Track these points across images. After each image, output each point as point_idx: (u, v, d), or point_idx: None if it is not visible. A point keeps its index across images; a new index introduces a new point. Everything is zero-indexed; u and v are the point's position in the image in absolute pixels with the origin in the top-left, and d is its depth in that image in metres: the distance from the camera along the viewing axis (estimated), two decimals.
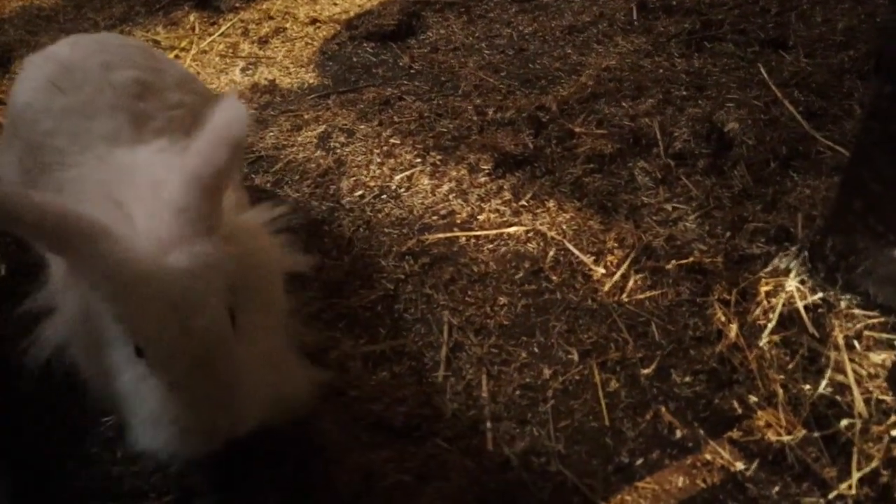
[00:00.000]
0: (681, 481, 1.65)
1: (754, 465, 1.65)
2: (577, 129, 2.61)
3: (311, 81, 3.18)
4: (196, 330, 1.17)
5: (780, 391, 1.75)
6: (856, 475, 1.59)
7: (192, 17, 3.79)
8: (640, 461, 1.69)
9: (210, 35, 3.64)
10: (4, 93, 3.37)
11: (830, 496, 1.59)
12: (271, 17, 3.70)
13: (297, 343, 1.59)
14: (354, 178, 2.56)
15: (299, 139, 2.79)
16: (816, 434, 1.67)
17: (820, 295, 1.90)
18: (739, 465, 1.65)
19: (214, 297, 1.20)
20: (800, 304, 1.88)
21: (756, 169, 2.38)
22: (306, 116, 2.91)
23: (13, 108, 1.72)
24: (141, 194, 1.25)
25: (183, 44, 3.62)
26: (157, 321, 1.15)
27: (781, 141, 2.46)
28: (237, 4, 3.84)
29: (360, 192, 2.50)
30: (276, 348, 1.42)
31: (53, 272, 1.41)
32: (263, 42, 3.51)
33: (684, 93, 2.76)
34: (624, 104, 2.74)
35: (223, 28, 3.68)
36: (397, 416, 1.76)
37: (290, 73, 3.26)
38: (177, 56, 3.53)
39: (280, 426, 1.70)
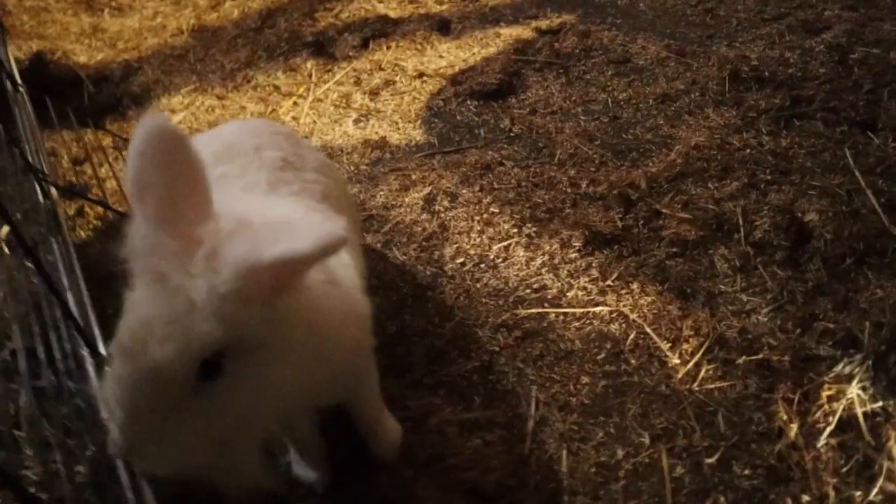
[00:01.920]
0: None
1: None
2: (664, 211, 2.82)
3: (418, 139, 3.49)
4: (142, 375, 1.18)
5: (832, 493, 1.95)
6: None
7: (309, 64, 4.16)
8: None
9: (325, 83, 4.00)
10: None
11: None
12: (381, 69, 4.04)
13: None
14: (457, 245, 2.86)
15: (406, 200, 3.10)
16: None
17: (880, 403, 2.08)
18: None
19: (182, 356, 1.19)
20: (859, 411, 2.07)
21: (832, 264, 2.54)
22: (413, 177, 3.22)
23: None
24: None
25: (300, 90, 4.00)
26: (135, 293, 1.25)
27: (860, 236, 2.60)
28: (350, 53, 4.19)
29: (461, 260, 2.80)
30: (254, 420, 1.37)
31: None
32: (374, 94, 3.85)
33: (769, 177, 2.92)
34: (710, 185, 2.92)
35: (337, 76, 4.04)
36: (488, 483, 2.06)
37: (398, 129, 3.58)
38: (295, 103, 3.91)
39: (385, 489, 2.04)
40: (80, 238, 3.13)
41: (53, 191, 2.76)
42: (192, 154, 1.27)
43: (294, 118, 3.86)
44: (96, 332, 2.09)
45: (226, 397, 1.27)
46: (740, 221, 2.74)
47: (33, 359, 2.02)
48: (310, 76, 4.08)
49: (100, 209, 3.27)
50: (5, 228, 2.48)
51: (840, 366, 2.19)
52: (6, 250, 2.48)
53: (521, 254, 2.79)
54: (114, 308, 1.50)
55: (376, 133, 3.56)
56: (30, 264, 2.00)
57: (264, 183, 1.88)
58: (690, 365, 2.32)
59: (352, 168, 3.41)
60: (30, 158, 2.82)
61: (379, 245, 2.92)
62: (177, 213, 1.24)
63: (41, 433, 1.84)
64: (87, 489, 1.78)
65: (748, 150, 3.08)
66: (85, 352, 2.01)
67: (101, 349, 2.02)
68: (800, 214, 2.71)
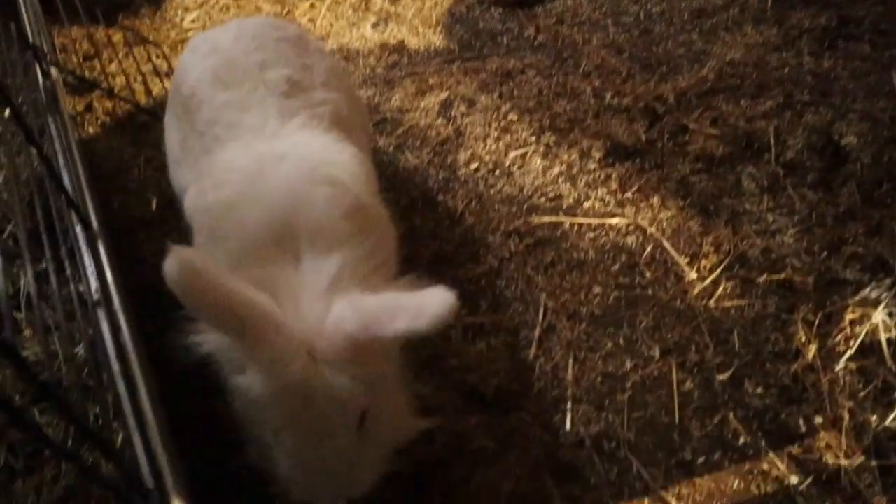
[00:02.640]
0: (736, 484, 1.82)
1: (808, 481, 1.79)
2: (691, 126, 2.68)
3: (437, 44, 3.33)
4: (327, 451, 1.28)
5: (847, 417, 1.87)
6: None
7: None
8: (701, 459, 1.87)
9: None
10: (156, 30, 3.68)
11: None
12: None
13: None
14: (471, 151, 2.74)
15: (422, 104, 2.97)
16: (874, 463, 1.79)
17: None
18: (794, 479, 1.80)
19: (347, 422, 1.29)
20: (883, 337, 1.98)
21: (867, 188, 2.40)
22: (430, 81, 3.08)
23: (180, 92, 1.93)
24: (309, 227, 1.42)
25: None
26: (294, 437, 1.28)
27: None
28: None
29: (475, 165, 2.68)
30: (395, 426, 1.49)
31: None
32: None
33: (807, 97, 2.76)
34: (742, 103, 2.77)
35: None
36: (489, 387, 1.99)
37: (418, 34, 3.42)
38: (312, 5, 3.74)
39: None
40: (88, 134, 3.04)
41: (54, 71, 2.64)
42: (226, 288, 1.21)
43: (311, 20, 3.69)
44: (91, 210, 2.01)
45: (375, 431, 1.38)
46: (772, 141, 2.59)
47: (35, 242, 1.95)
48: None
49: (108, 104, 3.17)
50: (7, 111, 2.40)
51: (867, 290, 2.08)
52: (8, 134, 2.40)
53: (538, 162, 2.66)
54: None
55: (394, 37, 3.40)
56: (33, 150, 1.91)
57: (271, 118, 1.76)
58: (708, 282, 2.22)
59: (367, 71, 3.26)
60: (30, 39, 2.70)
61: (391, 148, 2.81)
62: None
63: (41, 315, 1.79)
64: (84, 370, 1.73)
65: (786, 70, 2.91)
66: (78, 227, 1.93)
67: (94, 224, 1.95)
68: (837, 137, 2.56)
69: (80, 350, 1.78)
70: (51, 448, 0.97)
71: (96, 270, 1.75)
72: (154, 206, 2.55)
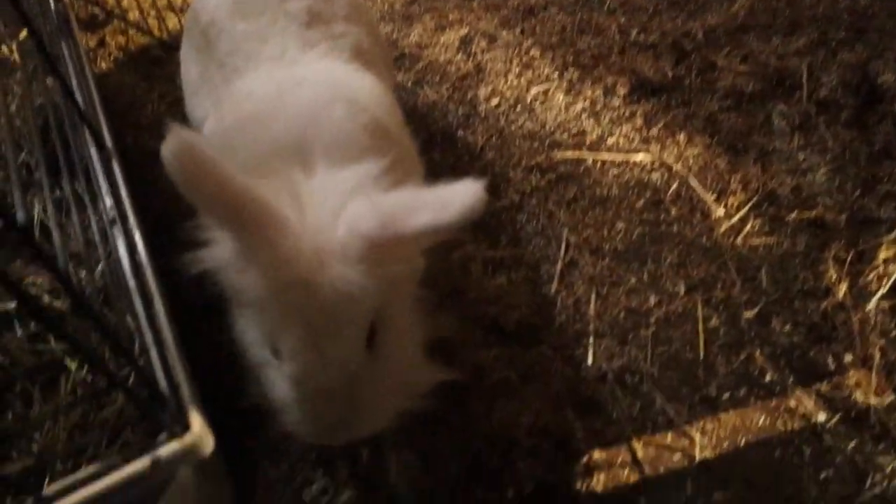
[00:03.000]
0: (761, 420, 1.78)
1: (835, 418, 1.75)
2: (720, 63, 2.59)
3: None
4: (330, 359, 1.16)
5: (878, 355, 1.82)
6: None
7: None
8: (726, 395, 1.83)
9: None
10: None
11: None
12: None
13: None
14: (492, 86, 2.66)
15: (442, 39, 2.88)
16: None
17: None
18: (821, 417, 1.76)
19: (355, 327, 1.18)
20: None
21: None
22: (450, 17, 2.98)
23: (198, 22, 1.87)
24: (324, 140, 1.33)
25: None
26: (296, 338, 1.15)
27: None
28: None
29: (496, 101, 2.61)
30: (408, 358, 1.40)
31: None
32: None
33: (842, 35, 2.66)
34: (774, 40, 2.67)
35: None
36: (510, 320, 1.95)
37: None
38: None
39: None
40: (101, 69, 2.97)
41: None
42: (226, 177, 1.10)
43: None
44: (105, 131, 1.96)
45: (385, 356, 1.27)
46: (804, 78, 2.50)
47: (52, 169, 1.91)
48: None
49: (121, 39, 3.10)
50: (23, 33, 2.33)
51: None
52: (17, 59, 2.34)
53: (561, 98, 2.58)
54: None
55: None
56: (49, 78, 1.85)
57: (291, 47, 1.71)
58: (735, 219, 2.16)
59: (385, 7, 3.17)
60: None
61: (410, 83, 2.73)
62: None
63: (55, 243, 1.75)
64: (99, 297, 1.70)
65: (821, 7, 2.80)
66: (93, 149, 1.88)
67: (109, 145, 1.89)
68: (873, 75, 2.47)
69: (100, 269, 1.74)
70: (80, 352, 0.93)
71: (111, 189, 1.71)
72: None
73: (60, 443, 1.28)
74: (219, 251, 1.18)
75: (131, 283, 1.49)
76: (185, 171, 1.06)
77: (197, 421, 1.22)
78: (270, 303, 1.14)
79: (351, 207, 1.14)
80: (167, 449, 1.18)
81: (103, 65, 3.00)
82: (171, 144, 1.05)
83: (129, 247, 1.59)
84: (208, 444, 1.22)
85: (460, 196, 1.07)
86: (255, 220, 1.10)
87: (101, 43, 3.09)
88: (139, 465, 1.16)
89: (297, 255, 1.12)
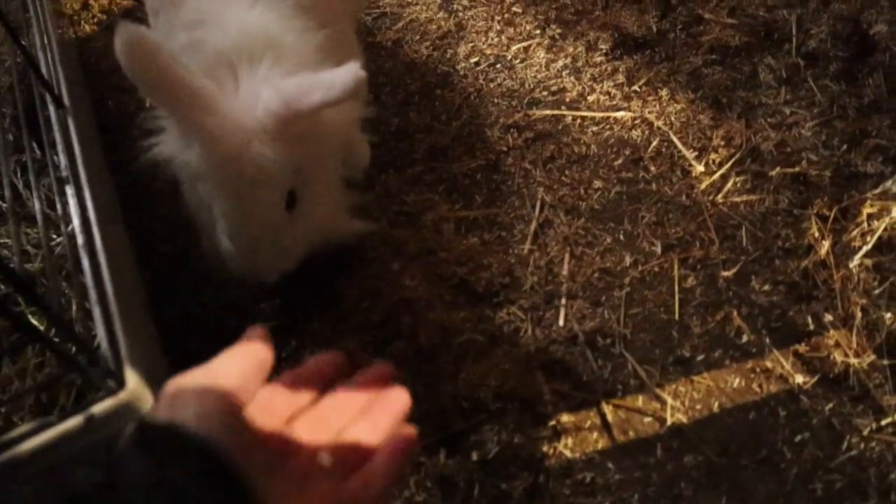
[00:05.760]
0: (737, 382, 1.73)
1: (814, 380, 1.70)
2: (707, 16, 2.49)
3: None
4: (252, 217, 1.45)
5: (859, 314, 1.76)
6: None
7: None
8: (700, 357, 1.78)
9: None
10: None
11: (884, 422, 1.62)
12: None
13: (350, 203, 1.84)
14: (472, 44, 2.58)
15: None
16: (885, 362, 1.69)
17: None
18: (798, 378, 1.71)
19: (272, 191, 1.45)
20: None
21: (894, 80, 2.23)
22: None
23: None
24: (251, 54, 1.45)
25: None
26: (226, 200, 1.44)
27: None
28: None
29: (475, 59, 2.53)
30: (327, 216, 1.67)
31: None
32: None
33: None
34: None
35: None
36: (480, 281, 1.90)
37: None
38: None
39: (373, 279, 1.90)
40: (84, 32, 2.92)
41: None
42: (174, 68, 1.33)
43: None
44: (64, 89, 1.91)
45: (305, 213, 1.57)
46: (794, 30, 2.41)
47: (17, 132, 1.87)
48: None
49: (104, 1, 3.04)
50: None
51: (889, 182, 1.94)
52: None
53: (542, 55, 2.50)
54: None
55: None
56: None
57: None
58: (717, 176, 2.09)
59: None
60: None
61: (390, 43, 2.66)
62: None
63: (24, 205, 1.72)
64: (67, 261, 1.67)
65: None
66: (52, 107, 1.83)
67: (66, 101, 1.85)
68: (865, 26, 2.37)
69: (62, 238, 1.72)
70: None
71: (66, 147, 1.66)
72: (149, 102, 2.44)
73: None
74: (167, 137, 1.49)
75: (80, 238, 1.45)
76: (135, 59, 1.27)
77: (133, 378, 1.18)
78: (207, 174, 1.42)
79: (264, 92, 1.38)
80: (101, 406, 1.15)
81: (86, 28, 2.94)
82: (122, 35, 1.26)
83: (81, 205, 1.55)
84: (146, 400, 1.18)
85: (342, 77, 1.32)
86: (193, 103, 1.33)
87: (85, 6, 3.04)
88: (73, 422, 1.13)
89: (226, 133, 1.35)
